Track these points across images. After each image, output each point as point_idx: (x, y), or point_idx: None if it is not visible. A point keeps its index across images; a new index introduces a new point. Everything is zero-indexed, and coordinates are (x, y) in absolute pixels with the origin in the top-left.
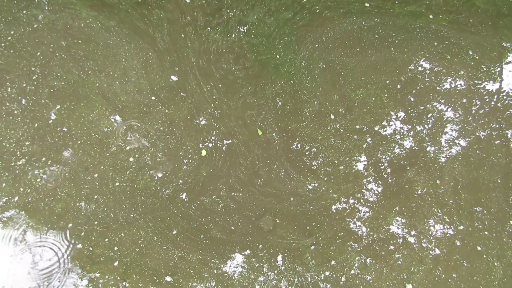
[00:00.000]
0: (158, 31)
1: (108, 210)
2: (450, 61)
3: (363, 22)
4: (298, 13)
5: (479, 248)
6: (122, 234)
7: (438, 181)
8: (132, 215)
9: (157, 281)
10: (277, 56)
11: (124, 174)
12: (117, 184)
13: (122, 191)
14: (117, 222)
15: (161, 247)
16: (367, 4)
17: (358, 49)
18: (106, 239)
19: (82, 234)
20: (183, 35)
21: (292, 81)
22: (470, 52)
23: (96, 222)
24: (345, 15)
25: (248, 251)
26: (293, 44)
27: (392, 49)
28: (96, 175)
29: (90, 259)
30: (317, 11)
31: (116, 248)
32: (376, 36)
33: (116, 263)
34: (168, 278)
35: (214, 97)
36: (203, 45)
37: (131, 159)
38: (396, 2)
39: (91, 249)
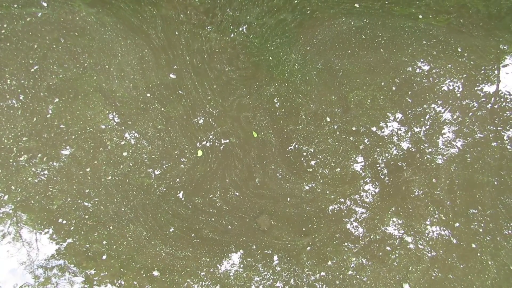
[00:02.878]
0: (152, 27)
1: (99, 203)
2: (443, 60)
3: (352, 23)
4: (290, 14)
5: (473, 245)
6: (111, 227)
7: (434, 181)
8: (123, 209)
9: (147, 276)
10: (270, 58)
11: (117, 169)
12: (110, 178)
13: (114, 185)
14: (107, 215)
15: (149, 242)
16: (356, 5)
17: (349, 51)
18: (96, 233)
19: (72, 228)
20: (177, 33)
21: (286, 84)
22: (459, 50)
23: (86, 216)
24: (334, 15)
25: (241, 251)
26: (285, 46)
27: (381, 50)
28: (88, 169)
29: (85, 255)
30: (308, 12)
31: (104, 242)
32: (363, 36)
33: (104, 257)
34: (155, 273)
35: (209, 97)
36: (197, 44)
37: (124, 154)
38: (386, 2)
39: (87, 245)
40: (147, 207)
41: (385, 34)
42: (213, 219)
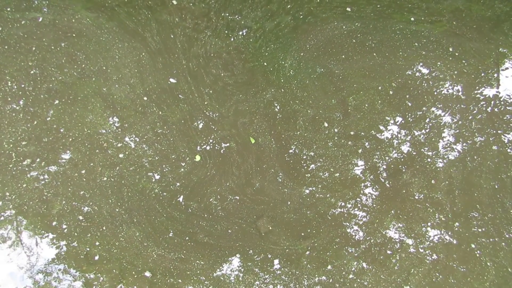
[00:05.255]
0: (148, 30)
1: (94, 204)
2: (440, 63)
3: (344, 27)
4: (283, 19)
5: (473, 245)
6: (104, 228)
7: (433, 182)
8: (117, 210)
9: (142, 277)
10: (265, 64)
11: (113, 170)
12: (105, 178)
13: (109, 186)
14: (101, 216)
15: (142, 243)
16: (348, 9)
17: (343, 56)
18: (89, 234)
19: (65, 230)
20: (172, 36)
21: (283, 90)
22: (451, 49)
23: (81, 218)
24: (326, 20)
25: (238, 255)
26: (280, 52)
27: (374, 54)
28: (84, 171)
29: (86, 259)
30: (301, 17)
31: (97, 243)
32: (353, 40)
33: (96, 257)
34: (147, 274)
35: (206, 103)
36: (192, 48)
37: (121, 155)
38: (378, 6)
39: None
40: (141, 208)
41: (375, 37)
42: (207, 223)
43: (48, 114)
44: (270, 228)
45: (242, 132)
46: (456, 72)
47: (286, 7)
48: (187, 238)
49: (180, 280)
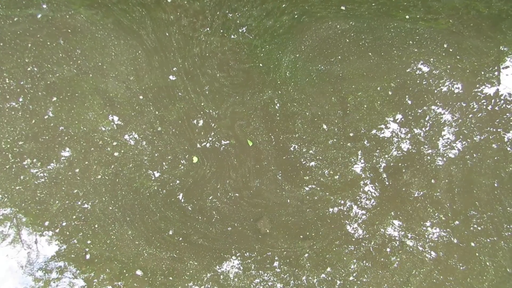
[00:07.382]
0: (143, 28)
1: (87, 202)
2: (439, 62)
3: (338, 26)
4: (278, 19)
5: (473, 244)
6: (96, 226)
7: (433, 182)
8: (110, 208)
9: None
10: (260, 65)
11: (108, 168)
12: (99, 177)
13: (103, 184)
14: (94, 214)
15: (133, 242)
16: (342, 8)
17: (339, 57)
18: (80, 234)
19: (57, 230)
20: (167, 34)
21: (280, 92)
22: (445, 46)
23: (74, 217)
24: (321, 19)
25: (234, 258)
26: (275, 53)
27: (369, 53)
28: (77, 170)
29: (78, 258)
30: (296, 16)
31: (89, 242)
32: (347, 40)
33: (87, 256)
34: (138, 272)
35: (202, 104)
36: (187, 47)
37: (116, 154)
38: (373, 4)
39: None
40: (135, 208)
41: (369, 36)
42: (202, 226)
43: (47, 111)
44: (268, 230)
45: (240, 135)
46: (449, 66)
47: (281, 6)
48: (180, 238)
49: (171, 278)
